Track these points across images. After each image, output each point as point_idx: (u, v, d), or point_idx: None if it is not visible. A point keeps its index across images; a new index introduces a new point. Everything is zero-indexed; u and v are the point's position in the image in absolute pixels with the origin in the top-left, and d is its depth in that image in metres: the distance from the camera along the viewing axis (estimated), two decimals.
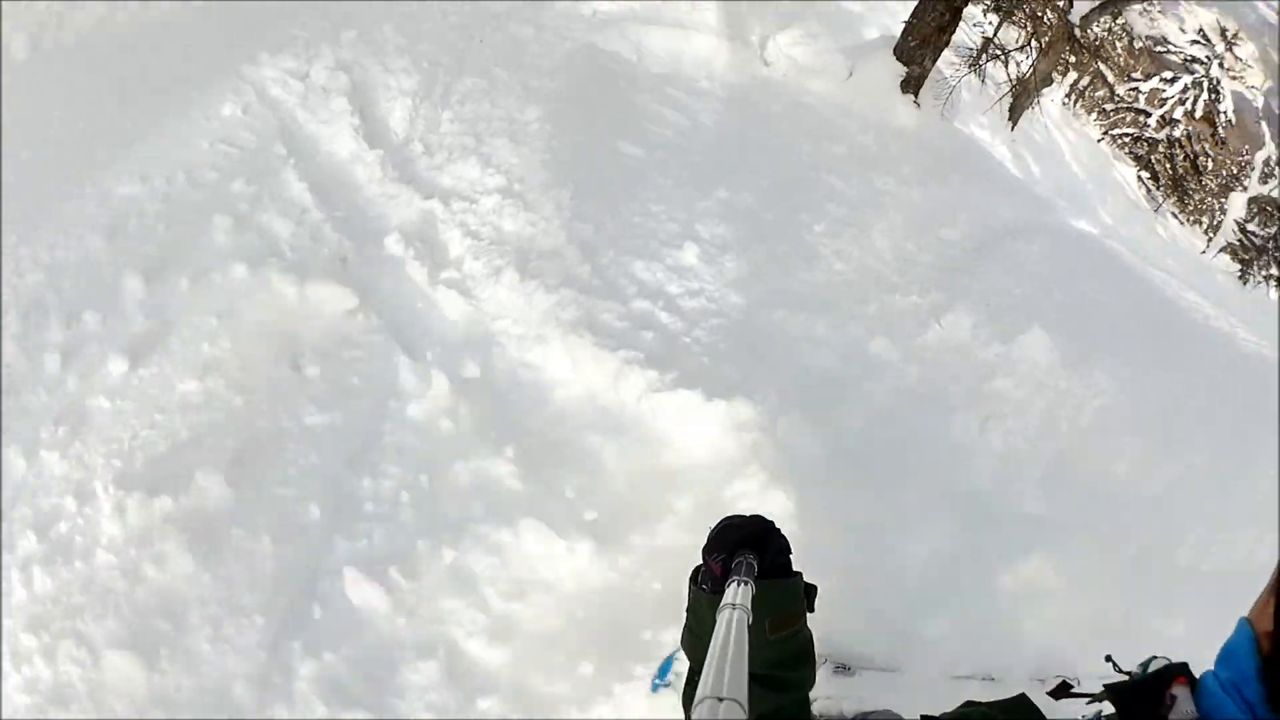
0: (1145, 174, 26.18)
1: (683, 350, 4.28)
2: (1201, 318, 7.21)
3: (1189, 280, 12.73)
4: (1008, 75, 12.96)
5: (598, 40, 7.12)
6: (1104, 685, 1.07)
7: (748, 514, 1.25)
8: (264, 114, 5.48)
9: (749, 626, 0.98)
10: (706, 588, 1.19)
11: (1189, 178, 27.97)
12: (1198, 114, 25.72)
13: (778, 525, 1.24)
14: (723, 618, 0.98)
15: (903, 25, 7.74)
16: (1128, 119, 24.29)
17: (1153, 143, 25.63)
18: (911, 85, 7.61)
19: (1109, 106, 20.84)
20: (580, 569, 3.48)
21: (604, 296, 4.42)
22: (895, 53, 7.68)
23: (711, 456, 3.91)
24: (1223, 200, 36.69)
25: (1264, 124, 24.76)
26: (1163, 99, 25.27)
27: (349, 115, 5.60)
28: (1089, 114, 24.24)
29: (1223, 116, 25.64)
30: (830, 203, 5.83)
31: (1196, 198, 32.31)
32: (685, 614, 1.26)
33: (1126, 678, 1.07)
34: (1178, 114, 25.52)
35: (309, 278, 4.38)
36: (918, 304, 5.12)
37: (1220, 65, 24.64)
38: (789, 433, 3.98)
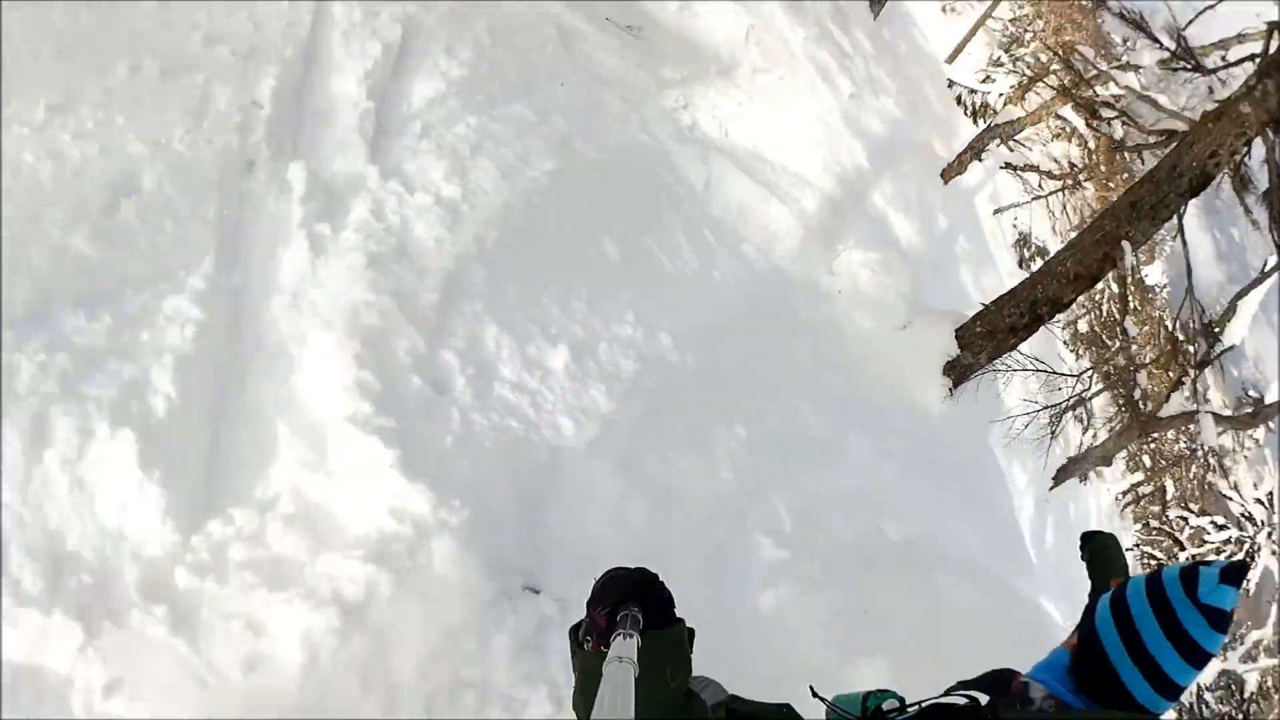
0: None
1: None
2: None
3: None
4: (1082, 437, 12.15)
5: (674, 151, 6.54)
6: (959, 682, 1.43)
7: (630, 566, 1.26)
8: None
9: (646, 678, 1.05)
10: (590, 640, 1.20)
11: None
12: None
13: (659, 576, 1.25)
14: (609, 671, 1.01)
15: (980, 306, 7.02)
16: (1164, 544, 23.14)
17: None
18: (956, 371, 6.80)
19: (1154, 524, 19.86)
20: None
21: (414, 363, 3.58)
22: (957, 331, 6.93)
23: None
24: None
25: (1275, 605, 23.29)
26: (1203, 540, 24.13)
27: (375, 59, 5.00)
28: (1134, 521, 23.19)
29: (1246, 583, 24.42)
30: (786, 427, 4.96)
31: None
32: (573, 675, 1.23)
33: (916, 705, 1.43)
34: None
35: None
36: (800, 571, 4.10)
37: (1269, 535, 23.51)
38: None
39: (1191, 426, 12.44)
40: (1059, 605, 7.55)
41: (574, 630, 1.25)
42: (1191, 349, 10.97)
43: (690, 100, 7.32)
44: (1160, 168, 6.01)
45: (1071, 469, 11.89)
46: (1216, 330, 9.65)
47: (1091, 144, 13.89)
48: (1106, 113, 8.14)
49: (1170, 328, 12.81)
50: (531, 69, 5.98)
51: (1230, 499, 22.73)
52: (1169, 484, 20.98)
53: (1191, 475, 23.79)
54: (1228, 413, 10.10)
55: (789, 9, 9.97)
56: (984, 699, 1.36)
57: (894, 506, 5.22)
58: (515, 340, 3.95)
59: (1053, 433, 8.44)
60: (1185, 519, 23.71)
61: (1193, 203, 5.95)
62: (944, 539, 5.62)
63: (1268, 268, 8.84)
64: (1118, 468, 18.59)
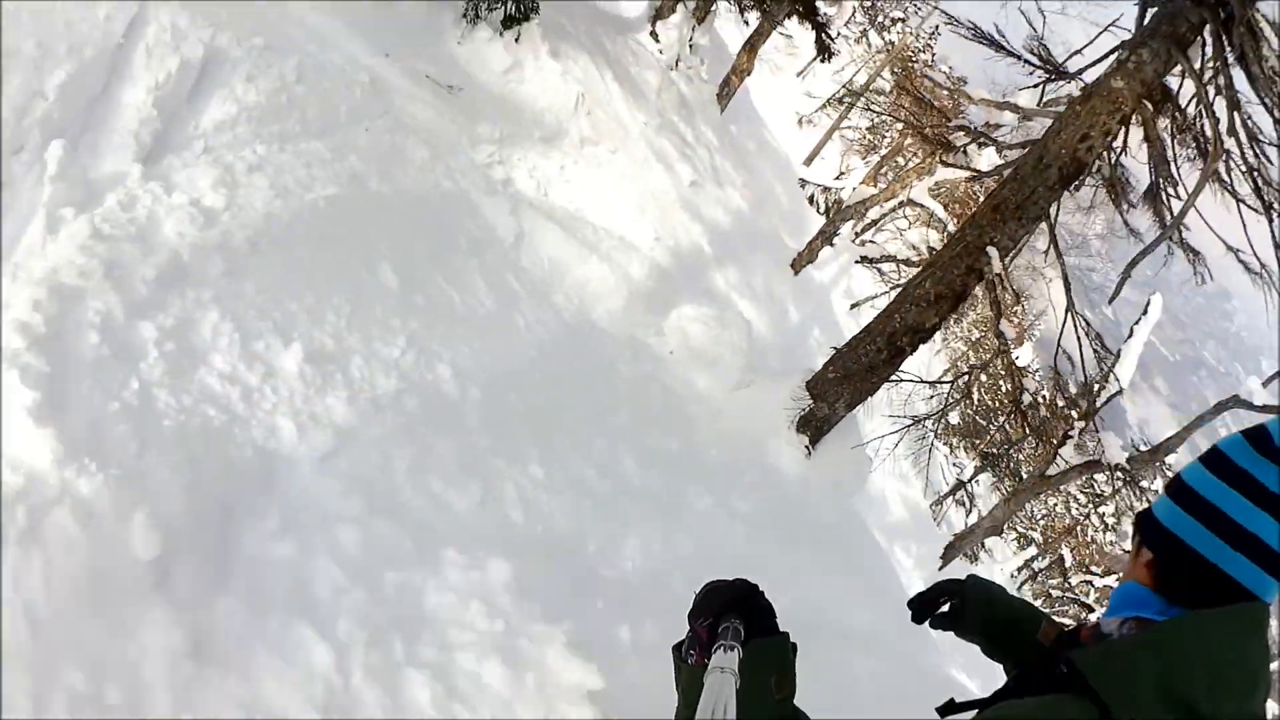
0: None
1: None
2: None
3: None
4: (966, 518, 11.73)
5: (483, 202, 5.92)
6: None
7: (730, 578, 1.26)
8: None
9: (750, 689, 1.05)
10: (693, 655, 1.19)
11: None
12: None
13: (760, 587, 1.24)
14: (711, 680, 1.01)
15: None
16: (1070, 611, 22.83)
17: None
18: (811, 426, 6.17)
19: (1056, 594, 19.53)
20: None
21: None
22: (809, 382, 6.35)
23: None
24: None
25: None
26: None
27: (171, 74, 4.53)
28: (1035, 597, 22.86)
29: None
30: (602, 477, 4.16)
31: None
32: (677, 693, 1.21)
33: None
34: None
35: None
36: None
37: None
38: None
39: (1095, 477, 12.15)
40: (971, 678, 6.79)
41: (677, 648, 1.25)
42: (1078, 407, 10.79)
43: (506, 158, 6.80)
44: (1025, 162, 5.54)
45: (960, 544, 11.38)
46: (1096, 387, 9.48)
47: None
48: (959, 139, 7.97)
49: (1049, 395, 12.77)
50: (334, 110, 5.48)
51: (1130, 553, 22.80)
52: (1065, 553, 20.84)
53: (1088, 539, 23.88)
54: (1124, 456, 9.82)
55: (629, 93, 9.81)
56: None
57: (752, 571, 4.43)
58: (240, 332, 3.45)
59: (931, 446, 7.85)
60: (1090, 582, 23.55)
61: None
62: (829, 608, 4.87)
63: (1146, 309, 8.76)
64: (1009, 547, 18.30)
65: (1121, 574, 1.27)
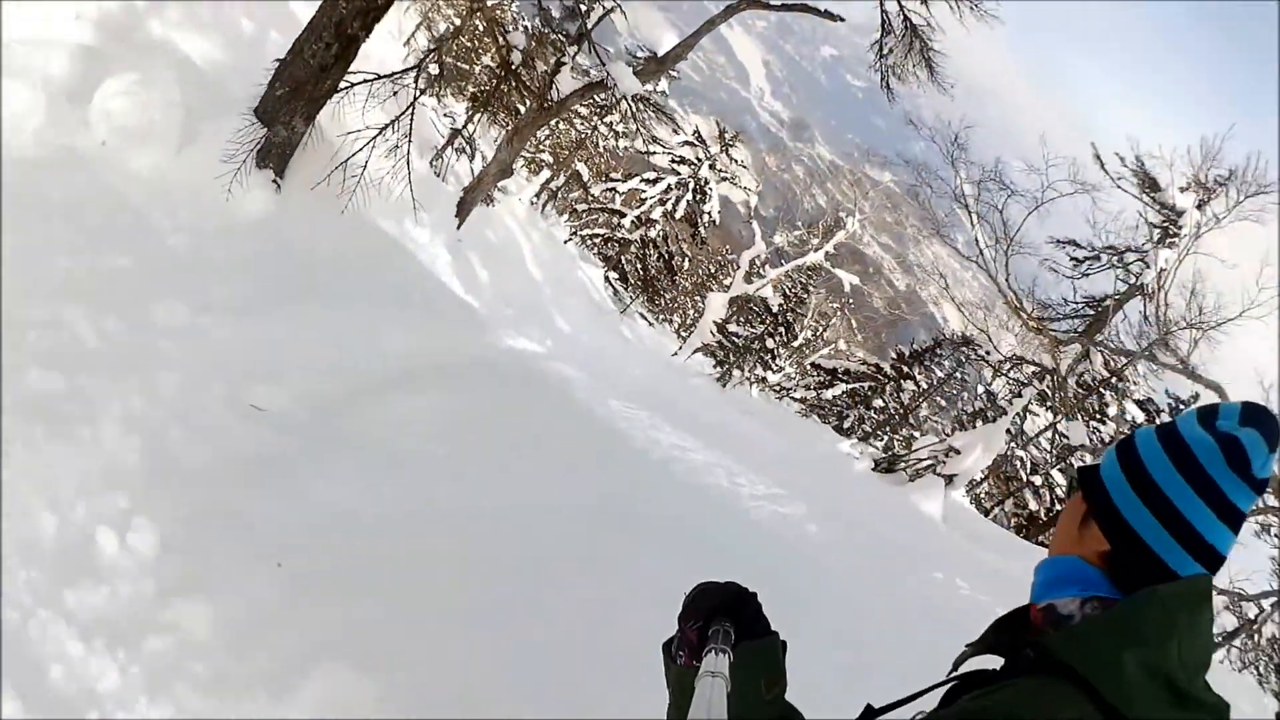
0: (614, 274, 27.26)
1: None
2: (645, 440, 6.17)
3: (654, 390, 12.59)
4: (472, 169, 11.63)
5: None
6: (966, 646, 1.20)
7: (720, 580, 1.24)
8: None
9: (740, 691, 1.06)
10: (682, 656, 1.20)
11: (661, 278, 30.20)
12: (678, 214, 27.53)
13: (750, 590, 1.23)
14: (701, 685, 1.01)
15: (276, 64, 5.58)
16: (600, 219, 25.10)
17: (625, 243, 26.95)
18: (273, 157, 5.44)
19: (581, 207, 21.29)
20: None
21: None
22: (256, 110, 5.49)
23: None
24: (698, 300, 40.05)
25: (754, 224, 27.02)
26: (642, 199, 26.75)
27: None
28: (560, 215, 24.49)
29: (706, 217, 27.55)
30: None
31: (668, 296, 35.39)
32: (668, 692, 1.24)
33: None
34: (656, 214, 27.16)
35: None
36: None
37: (712, 167, 26.53)
38: None
39: (597, 97, 12.62)
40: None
41: (666, 646, 1.23)
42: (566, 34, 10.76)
43: None
44: None
45: (472, 196, 11.40)
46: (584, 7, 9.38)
47: None
48: None
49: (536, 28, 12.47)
50: None
51: (654, 152, 25.11)
52: (581, 167, 22.28)
53: (600, 150, 25.73)
54: (631, 70, 10.09)
55: None
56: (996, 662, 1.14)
57: (273, 361, 4.05)
58: None
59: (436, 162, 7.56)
60: (613, 189, 26.08)
61: None
62: (354, 352, 4.66)
63: None
64: (521, 176, 18.92)
65: (1056, 536, 1.23)
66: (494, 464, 4.43)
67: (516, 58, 11.33)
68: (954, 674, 1.20)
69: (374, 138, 6.11)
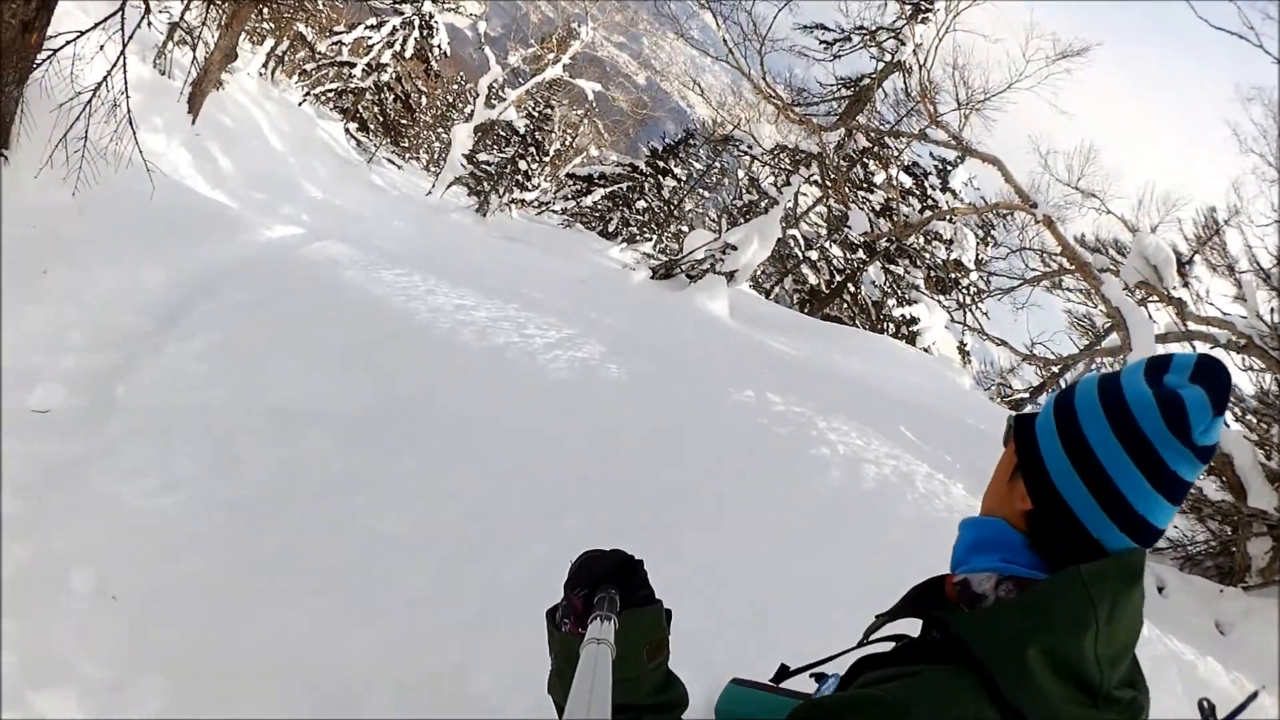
0: (354, 125, 25.39)
1: None
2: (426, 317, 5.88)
3: (423, 245, 12.08)
4: (194, 61, 10.05)
5: None
6: (876, 616, 1.17)
7: (606, 548, 1.18)
8: None
9: (623, 657, 1.01)
10: (568, 624, 1.13)
11: (403, 118, 28.41)
12: (408, 53, 25.71)
13: (637, 557, 1.17)
14: (586, 653, 0.95)
15: None
16: (331, 74, 22.99)
17: (359, 92, 24.90)
18: None
19: (310, 66, 19.25)
20: None
21: None
22: None
23: None
24: (442, 133, 37.82)
25: (486, 49, 25.50)
26: (368, 46, 24.56)
27: None
28: (290, 78, 22.13)
29: (436, 50, 25.86)
30: None
31: (412, 133, 33.45)
32: (550, 658, 1.18)
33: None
34: (385, 58, 25.14)
35: None
36: None
37: (432, 0, 24.45)
38: None
39: None
40: None
41: (550, 613, 1.18)
42: None
43: None
44: None
45: (203, 90, 9.97)
46: None
47: None
48: None
49: None
50: None
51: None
52: (303, 28, 19.79)
53: (318, 8, 23.02)
54: None
55: None
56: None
57: None
58: None
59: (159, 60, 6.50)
60: (339, 42, 23.57)
61: None
62: None
63: None
64: (246, 50, 16.80)
65: (987, 489, 1.13)
66: (275, 391, 4.14)
67: None
68: (866, 640, 1.17)
69: (77, 37, 5.12)
